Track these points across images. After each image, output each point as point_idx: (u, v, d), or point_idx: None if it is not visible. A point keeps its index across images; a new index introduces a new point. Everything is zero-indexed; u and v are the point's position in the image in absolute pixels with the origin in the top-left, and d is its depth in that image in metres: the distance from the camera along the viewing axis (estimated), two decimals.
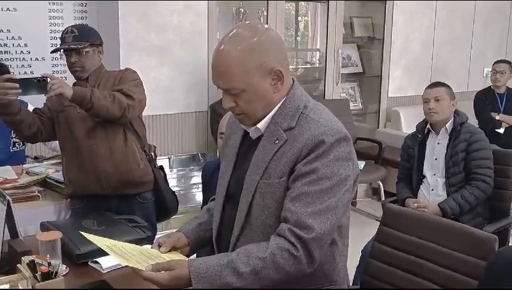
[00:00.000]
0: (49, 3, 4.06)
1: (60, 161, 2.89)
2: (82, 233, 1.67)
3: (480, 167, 3.09)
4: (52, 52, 2.78)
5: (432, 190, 3.25)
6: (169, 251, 1.66)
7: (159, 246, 1.66)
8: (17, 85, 2.32)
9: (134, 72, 2.75)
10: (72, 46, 2.61)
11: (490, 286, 1.60)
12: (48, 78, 2.36)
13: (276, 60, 1.55)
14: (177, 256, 1.63)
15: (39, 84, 2.35)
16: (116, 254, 1.53)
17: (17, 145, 3.58)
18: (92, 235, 1.64)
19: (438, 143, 3.25)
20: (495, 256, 1.66)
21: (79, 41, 2.61)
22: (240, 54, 1.51)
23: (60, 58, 3.98)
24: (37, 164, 3.23)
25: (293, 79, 1.65)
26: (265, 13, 4.81)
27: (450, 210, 3.06)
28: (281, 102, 1.60)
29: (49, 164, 3.21)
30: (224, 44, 1.55)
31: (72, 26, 2.71)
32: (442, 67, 6.10)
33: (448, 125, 3.21)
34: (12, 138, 3.53)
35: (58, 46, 2.71)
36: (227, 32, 1.59)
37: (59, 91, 2.35)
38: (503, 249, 1.73)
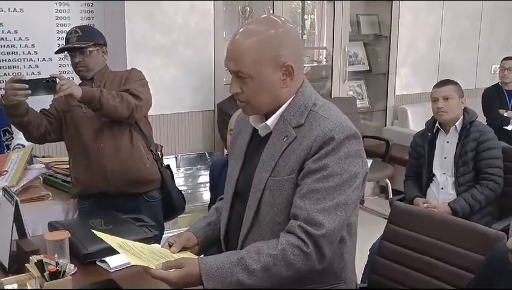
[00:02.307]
0: (56, 3, 4.06)
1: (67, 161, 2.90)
2: (93, 231, 1.67)
3: (491, 167, 3.07)
4: (57, 52, 2.78)
5: (442, 188, 3.24)
6: (180, 250, 1.66)
7: (170, 246, 1.66)
8: (27, 86, 2.33)
9: (140, 71, 2.77)
10: (76, 46, 2.62)
11: (485, 280, 1.60)
12: (57, 79, 2.36)
13: (289, 55, 1.55)
14: (187, 256, 1.63)
15: (48, 85, 2.35)
16: (126, 252, 1.53)
17: (7, 134, 3.55)
18: (103, 233, 1.65)
19: (448, 142, 3.23)
20: (494, 251, 1.66)
21: (82, 41, 2.62)
22: (255, 43, 1.52)
23: (66, 58, 3.99)
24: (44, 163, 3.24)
25: (303, 77, 1.65)
26: (271, 11, 4.80)
27: (461, 210, 3.04)
28: (290, 99, 1.60)
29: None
30: (242, 31, 1.57)
31: (76, 26, 2.72)
32: (449, 64, 6.07)
33: (458, 123, 3.19)
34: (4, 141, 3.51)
35: (62, 46, 2.72)
36: (234, 30, 1.60)
37: (68, 91, 2.36)
38: (501, 245, 1.72)
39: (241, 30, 1.57)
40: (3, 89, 2.42)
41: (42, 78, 2.39)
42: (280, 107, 1.60)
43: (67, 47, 2.66)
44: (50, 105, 2.78)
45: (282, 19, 1.62)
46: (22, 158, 2.89)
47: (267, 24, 1.56)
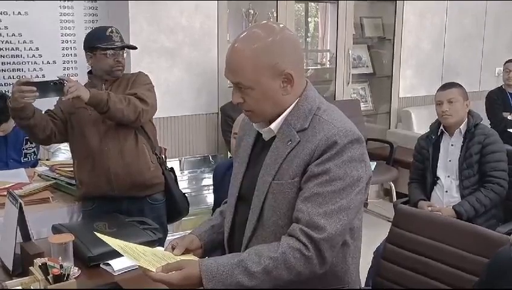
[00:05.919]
0: (60, 6, 4.08)
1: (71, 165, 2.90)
2: (96, 233, 1.68)
3: (495, 170, 3.06)
4: (118, 48, 2.69)
5: (446, 191, 3.23)
6: (183, 253, 1.66)
7: (173, 249, 1.66)
8: (35, 88, 2.32)
9: (147, 75, 2.79)
10: (134, 46, 2.77)
11: (489, 284, 1.59)
12: (65, 81, 2.37)
13: (288, 63, 1.55)
14: (190, 258, 1.63)
15: (56, 87, 2.35)
16: (128, 255, 1.53)
17: (28, 156, 3.58)
18: (105, 236, 1.65)
19: (452, 145, 3.22)
20: (496, 254, 1.65)
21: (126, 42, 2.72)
22: (253, 53, 1.52)
23: (70, 61, 4.02)
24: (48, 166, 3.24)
25: (306, 81, 1.65)
26: (275, 14, 4.80)
27: (465, 213, 3.03)
28: (294, 103, 1.60)
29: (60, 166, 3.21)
30: (239, 41, 1.56)
31: (111, 26, 2.75)
32: (453, 66, 6.06)
33: (462, 126, 3.18)
34: (23, 149, 3.53)
35: (120, 44, 2.70)
36: (238, 33, 1.60)
37: (76, 94, 2.36)
38: (503, 248, 1.72)
39: (238, 39, 1.57)
40: (9, 92, 2.42)
41: (50, 80, 2.39)
42: (284, 111, 1.60)
43: (130, 46, 2.78)
44: (55, 106, 2.77)
45: (281, 25, 1.62)
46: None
47: (264, 32, 1.55)
